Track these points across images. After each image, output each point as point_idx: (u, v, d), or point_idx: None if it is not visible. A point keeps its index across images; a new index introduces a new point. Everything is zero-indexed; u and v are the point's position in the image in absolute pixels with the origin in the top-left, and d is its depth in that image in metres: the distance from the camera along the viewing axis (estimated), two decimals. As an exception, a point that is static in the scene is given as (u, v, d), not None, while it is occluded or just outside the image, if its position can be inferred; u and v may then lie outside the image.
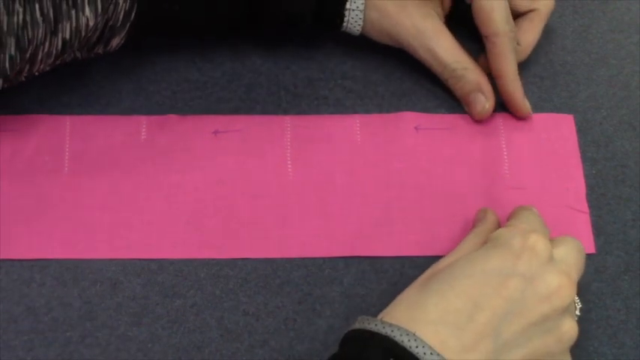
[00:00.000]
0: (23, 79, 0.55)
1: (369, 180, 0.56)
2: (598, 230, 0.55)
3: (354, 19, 0.57)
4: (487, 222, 0.52)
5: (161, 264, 0.53)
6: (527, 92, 0.60)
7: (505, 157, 0.56)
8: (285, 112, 0.58)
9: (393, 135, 0.57)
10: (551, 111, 0.59)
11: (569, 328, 0.46)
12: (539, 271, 0.45)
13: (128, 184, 0.55)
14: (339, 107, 0.59)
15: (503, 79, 0.57)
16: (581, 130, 0.59)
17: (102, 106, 0.58)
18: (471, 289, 0.44)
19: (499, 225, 0.52)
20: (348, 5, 0.57)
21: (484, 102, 0.57)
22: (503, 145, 0.56)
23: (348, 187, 0.55)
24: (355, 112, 0.59)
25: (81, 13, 0.50)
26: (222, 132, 0.57)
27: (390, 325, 0.43)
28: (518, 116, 0.58)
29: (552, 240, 0.49)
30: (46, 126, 0.56)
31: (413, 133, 0.58)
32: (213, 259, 0.53)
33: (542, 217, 0.52)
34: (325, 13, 0.57)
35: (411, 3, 0.57)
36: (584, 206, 0.55)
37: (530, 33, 0.58)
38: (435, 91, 0.59)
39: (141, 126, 0.57)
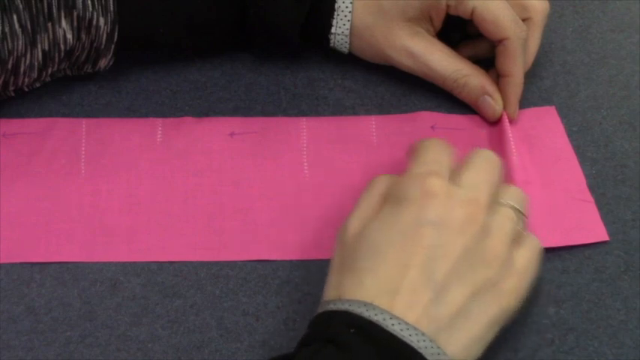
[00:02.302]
0: (12, 93, 0.55)
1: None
2: (598, 230, 0.55)
3: (339, 42, 0.58)
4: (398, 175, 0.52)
5: (161, 264, 0.53)
6: (527, 92, 0.60)
7: (514, 154, 0.56)
8: (285, 112, 0.58)
9: (409, 135, 0.57)
10: (552, 111, 0.59)
11: (492, 247, 0.46)
12: (445, 210, 0.46)
13: (145, 186, 0.55)
14: (339, 107, 0.59)
15: (510, 79, 0.57)
16: (581, 130, 0.59)
17: (102, 106, 0.58)
18: (395, 252, 0.45)
19: None
20: (333, 30, 0.57)
21: (493, 104, 0.57)
22: (512, 144, 0.56)
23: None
24: (355, 112, 0.59)
25: (57, 26, 0.51)
26: (239, 134, 0.57)
27: (348, 300, 0.44)
28: (507, 115, 0.58)
29: (460, 165, 0.49)
30: (62, 128, 0.56)
31: (429, 133, 0.58)
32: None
33: (549, 210, 0.52)
34: (310, 34, 0.58)
35: (398, 25, 0.57)
36: (588, 195, 0.55)
37: (529, 41, 0.58)
38: (436, 90, 0.59)
39: (156, 128, 0.57)
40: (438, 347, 0.43)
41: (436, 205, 0.46)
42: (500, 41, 0.56)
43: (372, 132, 0.58)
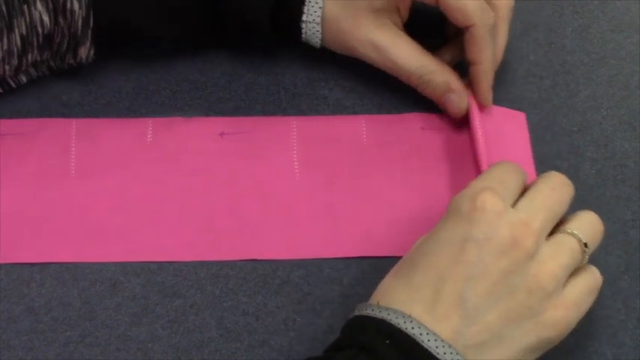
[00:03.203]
0: None
1: (375, 180, 0.56)
2: (598, 230, 0.55)
3: (311, 31, 0.57)
4: None
5: (161, 264, 0.53)
6: (527, 92, 0.60)
7: (483, 156, 0.55)
8: (285, 112, 0.58)
9: (399, 135, 0.58)
10: (552, 111, 0.59)
11: (537, 276, 0.45)
12: (491, 228, 0.45)
13: (135, 186, 0.55)
14: (339, 107, 0.59)
15: (479, 66, 0.56)
16: (581, 130, 0.59)
17: (102, 106, 0.58)
18: (431, 263, 0.45)
19: None
20: (304, 17, 0.56)
21: (458, 102, 0.56)
22: (481, 146, 0.56)
23: (355, 188, 0.55)
24: (355, 112, 0.59)
25: (33, 8, 0.51)
26: (229, 133, 0.57)
27: (387, 308, 0.44)
28: (479, 103, 0.57)
29: (527, 186, 0.49)
30: (52, 129, 0.56)
31: (419, 134, 0.58)
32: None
33: None
34: (282, 23, 0.57)
35: (365, 15, 0.56)
36: None
37: (496, 36, 0.57)
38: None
39: (147, 128, 0.57)
40: None
41: (483, 221, 0.45)
42: (467, 28, 0.55)
43: (362, 131, 0.58)
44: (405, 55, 0.56)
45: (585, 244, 0.47)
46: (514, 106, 0.59)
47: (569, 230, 0.47)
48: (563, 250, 0.46)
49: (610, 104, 0.60)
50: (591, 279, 0.47)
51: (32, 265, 0.52)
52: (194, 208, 0.54)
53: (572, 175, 0.57)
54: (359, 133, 0.58)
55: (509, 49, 0.62)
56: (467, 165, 0.57)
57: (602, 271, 0.53)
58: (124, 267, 0.52)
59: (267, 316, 0.51)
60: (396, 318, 0.43)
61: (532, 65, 0.61)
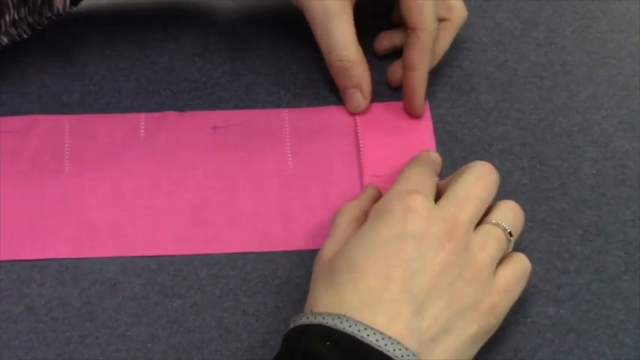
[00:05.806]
0: None
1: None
2: (598, 230, 0.55)
3: None
4: (363, 196, 0.53)
5: (161, 264, 0.53)
6: (527, 92, 0.60)
7: (363, 147, 0.56)
8: (285, 112, 0.58)
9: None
10: (552, 111, 0.59)
11: (471, 265, 0.46)
12: (425, 225, 0.46)
13: (129, 181, 0.55)
14: (339, 107, 0.59)
15: (415, 72, 0.56)
16: (581, 130, 0.59)
17: (101, 105, 0.58)
18: (375, 265, 0.45)
19: (377, 198, 0.52)
20: None
21: (360, 101, 0.57)
22: (360, 138, 0.57)
23: (349, 177, 0.56)
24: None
25: None
26: (221, 127, 0.57)
27: (321, 313, 0.44)
28: (411, 113, 0.58)
29: (442, 183, 0.50)
30: (45, 126, 0.56)
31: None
32: (214, 259, 0.53)
33: None
34: None
35: None
36: None
37: (442, 41, 0.58)
38: (435, 91, 0.59)
39: (139, 123, 0.57)
40: (415, 355, 0.43)
41: (417, 219, 0.46)
42: (414, 30, 0.55)
43: (353, 121, 0.58)
44: (342, 32, 0.56)
45: (510, 233, 0.49)
46: (514, 106, 0.59)
47: (493, 221, 0.49)
48: (490, 240, 0.48)
49: (610, 104, 0.60)
50: (519, 266, 0.49)
51: (32, 264, 0.52)
52: (188, 202, 0.54)
53: (572, 175, 0.57)
54: (351, 121, 0.58)
55: (509, 49, 0.62)
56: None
57: (602, 271, 0.53)
58: (124, 267, 0.52)
59: (267, 316, 0.51)
60: (332, 320, 0.43)
61: (532, 65, 0.61)
